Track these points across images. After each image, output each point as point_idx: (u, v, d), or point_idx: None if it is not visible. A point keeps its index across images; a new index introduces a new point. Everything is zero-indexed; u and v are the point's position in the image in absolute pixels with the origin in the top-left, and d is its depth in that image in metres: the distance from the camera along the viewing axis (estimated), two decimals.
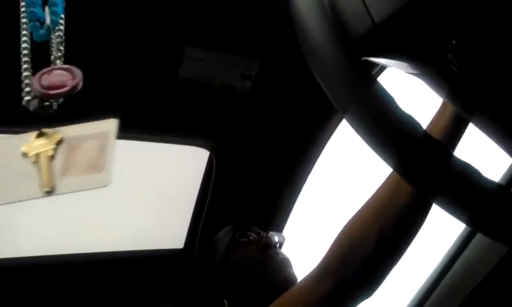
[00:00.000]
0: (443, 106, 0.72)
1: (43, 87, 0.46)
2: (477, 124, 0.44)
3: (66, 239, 1.26)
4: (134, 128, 1.13)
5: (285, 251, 1.13)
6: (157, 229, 1.39)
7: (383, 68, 1.09)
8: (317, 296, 0.73)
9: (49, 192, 0.45)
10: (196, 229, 1.35)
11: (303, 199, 1.43)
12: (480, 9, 0.35)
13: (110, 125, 0.49)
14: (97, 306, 1.28)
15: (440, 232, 1.36)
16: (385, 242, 0.71)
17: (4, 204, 0.45)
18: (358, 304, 0.76)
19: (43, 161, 0.46)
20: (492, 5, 0.35)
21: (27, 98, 0.46)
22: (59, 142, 0.47)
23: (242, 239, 1.10)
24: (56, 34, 0.51)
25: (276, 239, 1.12)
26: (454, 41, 0.36)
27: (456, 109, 0.44)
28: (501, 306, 1.16)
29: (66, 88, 0.47)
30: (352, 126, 0.40)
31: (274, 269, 1.03)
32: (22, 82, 0.47)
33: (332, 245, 0.75)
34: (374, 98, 0.37)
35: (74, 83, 0.48)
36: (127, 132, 1.13)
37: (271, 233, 1.14)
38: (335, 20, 0.38)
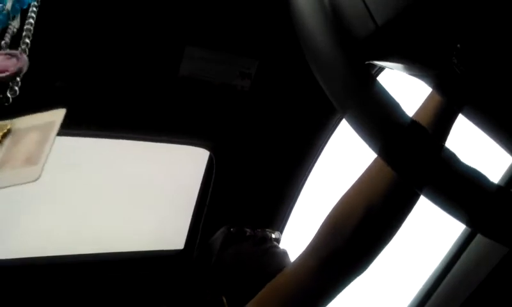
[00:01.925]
0: (431, 97, 0.71)
1: None
2: (480, 126, 0.44)
3: (66, 240, 1.26)
4: (134, 128, 1.13)
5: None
6: (157, 229, 1.39)
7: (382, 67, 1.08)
8: (307, 270, 0.73)
9: None
10: (196, 230, 1.35)
11: (303, 199, 1.43)
12: (487, 12, 0.35)
13: (56, 115, 0.47)
14: (98, 306, 1.28)
15: (440, 233, 1.36)
16: (373, 214, 0.70)
17: None
18: (349, 280, 0.75)
19: None
20: (499, 8, 0.34)
21: None
22: (4, 136, 0.46)
23: (238, 235, 1.10)
24: (17, 21, 0.49)
25: (273, 236, 1.12)
26: (459, 45, 0.36)
27: (459, 111, 0.44)
28: None
29: (7, 73, 0.45)
30: (353, 127, 0.40)
31: (271, 261, 1.03)
32: None
33: (323, 221, 0.75)
34: (375, 100, 0.37)
35: (16, 68, 0.46)
36: (127, 132, 1.13)
37: (267, 230, 1.14)
38: (337, 24, 0.38)
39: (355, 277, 0.75)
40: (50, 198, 1.23)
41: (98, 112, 1.05)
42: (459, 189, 0.37)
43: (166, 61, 1.03)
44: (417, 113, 0.72)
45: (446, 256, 1.23)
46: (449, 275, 1.21)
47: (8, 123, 0.46)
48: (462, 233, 1.20)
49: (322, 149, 1.35)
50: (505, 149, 0.44)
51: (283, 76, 1.17)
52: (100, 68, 0.97)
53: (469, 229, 1.15)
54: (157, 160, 1.31)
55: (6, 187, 0.43)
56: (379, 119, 0.38)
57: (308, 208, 1.56)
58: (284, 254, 1.06)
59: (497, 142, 0.45)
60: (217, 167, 1.28)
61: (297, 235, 1.53)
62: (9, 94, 0.47)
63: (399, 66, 0.41)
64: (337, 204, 0.75)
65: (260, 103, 1.20)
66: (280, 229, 1.42)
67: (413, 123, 0.37)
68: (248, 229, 1.12)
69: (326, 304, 0.75)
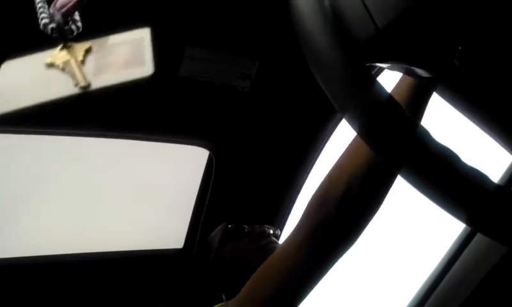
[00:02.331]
0: (403, 78, 0.71)
1: (55, 8, 0.47)
2: (481, 125, 0.44)
3: (66, 239, 1.26)
4: (134, 128, 1.13)
5: None
6: (156, 229, 1.39)
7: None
8: (294, 245, 0.74)
9: (86, 87, 0.45)
10: (196, 229, 1.35)
11: (303, 199, 1.43)
12: (488, 13, 0.34)
13: (142, 33, 0.49)
14: (97, 305, 1.28)
15: (440, 232, 1.36)
16: (353, 189, 0.71)
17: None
18: (336, 254, 0.75)
19: (73, 65, 0.45)
20: (500, 10, 0.34)
21: (43, 21, 0.47)
22: (88, 50, 0.47)
23: (236, 231, 1.10)
24: None
25: (271, 231, 1.13)
26: (460, 47, 0.36)
27: (463, 113, 0.44)
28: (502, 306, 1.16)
29: (71, 3, 0.48)
30: (353, 128, 0.40)
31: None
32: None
33: (311, 195, 0.76)
34: (376, 102, 0.37)
35: None
36: (127, 132, 1.13)
37: (265, 225, 1.14)
38: (337, 26, 0.37)
39: (342, 252, 0.75)
40: (50, 197, 1.23)
41: (99, 112, 1.05)
42: (424, 159, 0.37)
43: (166, 62, 1.03)
44: (392, 92, 0.71)
45: (446, 256, 1.23)
46: (449, 275, 1.21)
47: (88, 43, 0.47)
48: (462, 233, 1.20)
49: (322, 149, 1.35)
50: (489, 134, 0.44)
51: (283, 77, 1.17)
52: None
53: (468, 229, 1.16)
54: (157, 159, 1.31)
55: (118, 83, 0.44)
56: (378, 120, 0.38)
57: None
58: None
59: (499, 143, 0.45)
60: (217, 167, 1.28)
61: None
62: (73, 27, 0.48)
63: (400, 68, 0.41)
64: (321, 182, 0.76)
65: (260, 104, 1.21)
66: (280, 229, 1.42)
67: (388, 101, 0.37)
68: (245, 226, 1.13)
69: (317, 280, 0.76)
